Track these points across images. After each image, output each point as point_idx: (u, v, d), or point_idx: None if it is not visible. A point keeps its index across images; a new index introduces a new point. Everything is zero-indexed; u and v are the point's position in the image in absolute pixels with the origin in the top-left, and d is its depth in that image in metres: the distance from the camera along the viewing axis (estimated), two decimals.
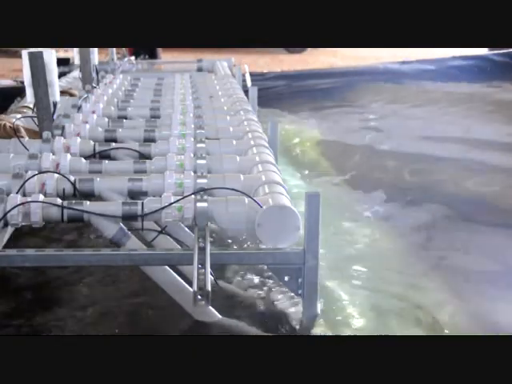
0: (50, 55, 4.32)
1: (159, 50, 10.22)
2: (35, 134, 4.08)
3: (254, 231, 2.91)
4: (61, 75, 6.11)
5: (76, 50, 7.06)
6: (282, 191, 3.15)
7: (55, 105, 4.23)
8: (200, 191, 3.03)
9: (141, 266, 3.01)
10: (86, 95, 5.10)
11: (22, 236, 3.60)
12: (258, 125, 4.47)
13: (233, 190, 3.08)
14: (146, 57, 9.46)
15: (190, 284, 2.85)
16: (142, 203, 2.98)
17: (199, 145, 3.88)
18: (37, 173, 3.25)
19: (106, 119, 4.62)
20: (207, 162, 3.56)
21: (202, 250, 2.73)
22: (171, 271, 3.04)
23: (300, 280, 2.89)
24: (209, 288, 2.46)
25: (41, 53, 3.92)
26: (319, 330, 2.91)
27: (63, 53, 9.53)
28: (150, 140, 4.21)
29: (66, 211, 2.94)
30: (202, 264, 2.63)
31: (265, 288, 3.38)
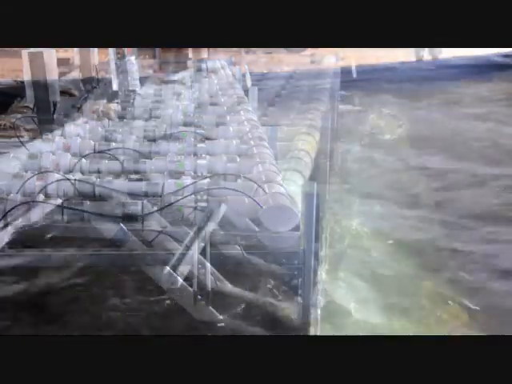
0: (50, 55, 4.32)
1: (159, 49, 10.19)
2: (35, 134, 4.08)
3: (253, 231, 2.91)
4: (61, 75, 6.10)
5: (76, 49, 7.06)
6: (282, 191, 3.14)
7: (55, 105, 4.24)
8: (200, 191, 3.03)
9: (141, 266, 3.01)
10: (86, 95, 5.10)
11: None
12: (258, 125, 4.47)
13: (233, 189, 3.08)
14: (146, 57, 9.43)
15: (190, 284, 2.84)
16: (143, 203, 2.98)
17: (199, 145, 3.88)
18: (37, 173, 3.25)
19: (106, 119, 4.61)
20: (207, 162, 3.56)
21: (202, 249, 2.73)
22: (171, 271, 3.04)
23: (300, 280, 2.89)
24: (209, 288, 2.46)
25: (41, 53, 3.92)
26: (319, 329, 2.91)
27: (63, 53, 9.51)
28: (149, 140, 4.21)
29: (65, 211, 2.94)
30: (202, 264, 2.63)
31: (265, 287, 3.38)
